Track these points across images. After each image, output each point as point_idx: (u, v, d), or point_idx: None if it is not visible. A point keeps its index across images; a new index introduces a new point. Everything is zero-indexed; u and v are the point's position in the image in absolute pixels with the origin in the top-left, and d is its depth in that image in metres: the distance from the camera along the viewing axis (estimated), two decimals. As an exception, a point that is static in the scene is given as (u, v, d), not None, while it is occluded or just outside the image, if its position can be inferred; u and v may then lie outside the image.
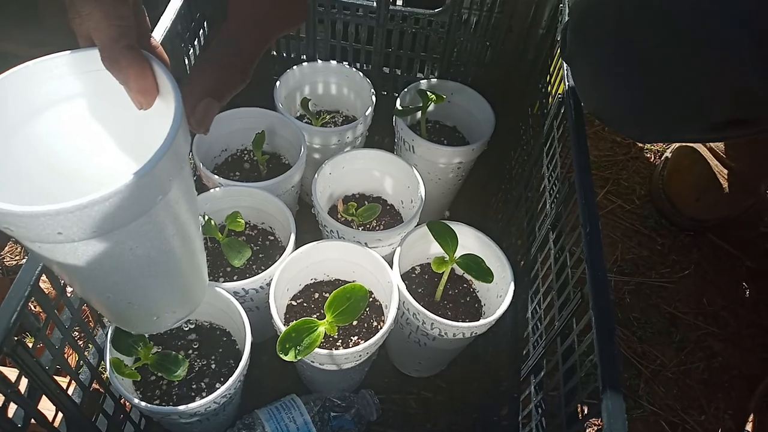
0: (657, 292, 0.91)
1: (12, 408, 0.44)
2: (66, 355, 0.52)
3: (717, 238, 0.97)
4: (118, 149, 0.42)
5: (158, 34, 0.60)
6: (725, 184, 0.95)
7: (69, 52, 0.37)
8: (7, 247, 0.85)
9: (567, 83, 0.61)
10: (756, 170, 0.95)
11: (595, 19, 0.57)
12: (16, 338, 0.43)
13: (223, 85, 0.46)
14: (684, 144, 1.01)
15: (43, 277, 0.46)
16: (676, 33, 0.50)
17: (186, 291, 0.47)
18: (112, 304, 0.43)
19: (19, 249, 0.87)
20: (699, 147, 0.99)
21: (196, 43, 0.70)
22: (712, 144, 0.97)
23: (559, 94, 0.63)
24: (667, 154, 1.03)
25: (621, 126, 0.63)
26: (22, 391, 0.45)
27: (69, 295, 0.52)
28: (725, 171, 0.95)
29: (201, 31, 0.71)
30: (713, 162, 0.97)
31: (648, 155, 1.08)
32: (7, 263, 0.85)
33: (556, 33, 0.67)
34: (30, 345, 0.45)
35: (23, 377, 0.46)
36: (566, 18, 0.65)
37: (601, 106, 0.62)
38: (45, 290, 0.48)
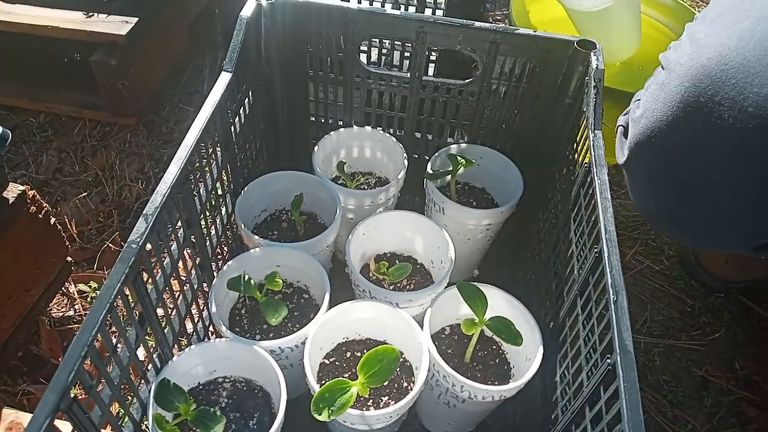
0: (687, 354, 0.90)
1: (64, 462, 0.47)
2: (112, 410, 0.54)
3: (748, 300, 0.97)
4: None
5: (209, 106, 0.64)
6: None
7: None
8: (54, 300, 0.89)
9: (593, 153, 0.63)
10: None
11: (660, 140, 0.66)
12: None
13: None
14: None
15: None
16: (742, 170, 0.56)
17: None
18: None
19: (65, 301, 0.91)
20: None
21: (241, 111, 0.75)
22: None
23: (585, 162, 0.65)
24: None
25: (668, 232, 0.71)
26: (74, 446, 0.48)
27: (119, 352, 0.55)
28: None
29: (246, 100, 0.76)
30: None
31: (676, 215, 1.09)
32: (53, 315, 0.89)
33: (582, 104, 0.70)
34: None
35: (75, 432, 0.48)
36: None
37: (651, 211, 0.69)
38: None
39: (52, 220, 0.83)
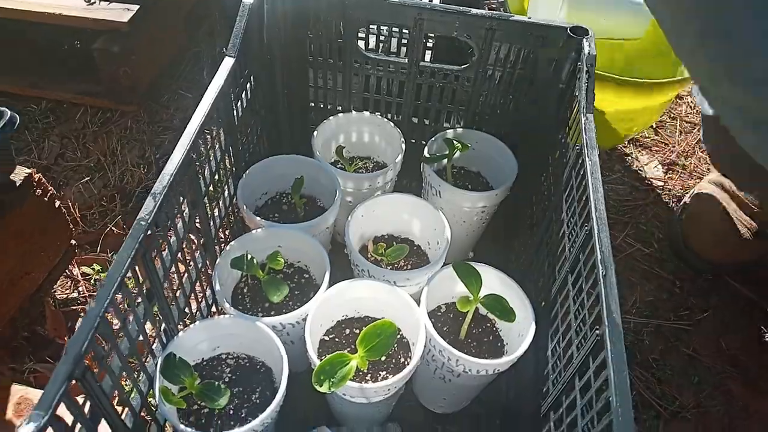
0: (676, 334, 0.93)
1: (77, 429, 0.49)
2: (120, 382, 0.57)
3: (735, 282, 0.99)
4: None
5: (212, 90, 0.66)
6: (743, 230, 0.98)
7: None
8: (58, 281, 0.91)
9: (585, 135, 0.66)
10: None
11: None
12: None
13: None
14: (703, 191, 1.04)
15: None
16: None
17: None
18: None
19: (69, 283, 0.93)
20: (718, 193, 1.02)
21: (243, 96, 0.76)
22: (735, 189, 1.00)
23: (577, 145, 0.68)
24: (686, 199, 1.07)
25: None
26: (87, 414, 0.50)
27: (128, 326, 0.57)
28: (744, 217, 0.98)
29: (248, 85, 0.78)
30: (732, 207, 1.00)
31: (666, 200, 1.11)
32: (58, 296, 0.91)
33: (575, 89, 0.72)
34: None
35: (87, 402, 0.50)
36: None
37: None
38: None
39: (57, 203, 0.85)
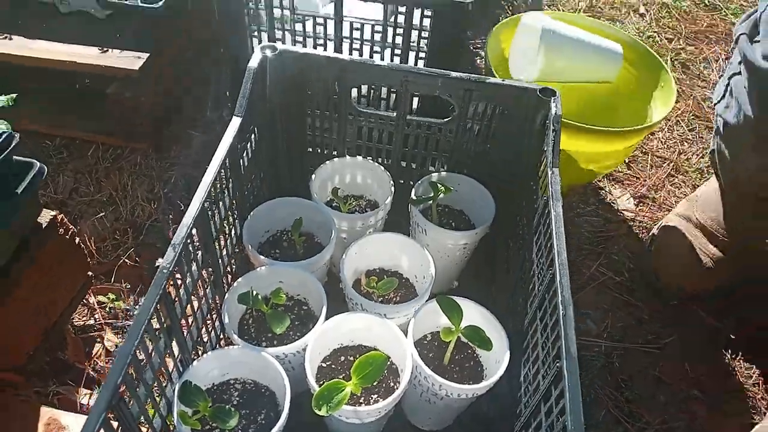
0: (644, 357, 1.02)
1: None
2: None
3: (698, 309, 1.09)
4: None
5: (223, 148, 0.75)
6: (706, 260, 1.07)
7: None
8: (77, 309, 0.99)
9: (551, 188, 0.75)
10: (745, 244, 1.08)
11: None
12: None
13: None
14: (669, 223, 1.14)
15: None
16: None
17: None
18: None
19: (86, 311, 1.01)
20: (683, 226, 1.11)
21: (248, 146, 0.85)
22: (702, 221, 1.10)
23: (544, 195, 0.77)
24: (654, 231, 1.16)
25: None
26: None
27: (152, 358, 0.66)
28: (709, 248, 1.07)
29: (252, 136, 0.87)
30: (697, 239, 1.09)
31: (637, 232, 1.21)
32: (76, 323, 0.99)
33: (543, 144, 0.81)
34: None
35: (119, 426, 0.59)
36: (551, 133, 0.80)
37: None
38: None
39: (76, 240, 0.94)
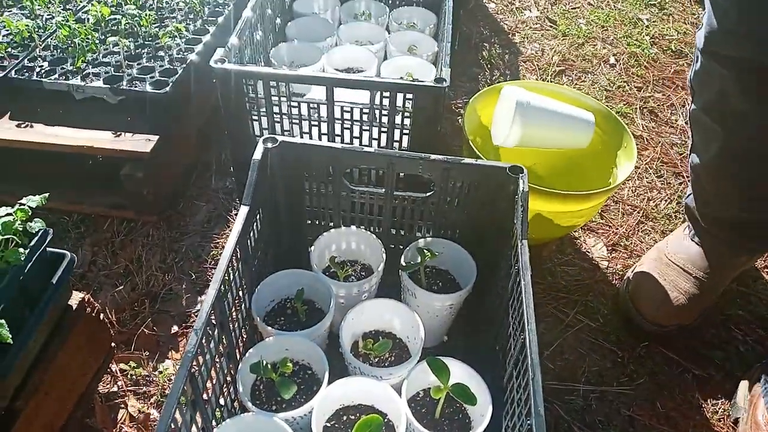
0: (618, 398, 1.12)
1: None
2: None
3: (667, 350, 1.19)
4: None
5: (234, 236, 0.86)
6: (679, 296, 1.18)
7: None
8: (103, 378, 1.09)
9: (521, 259, 0.86)
10: (718, 282, 1.20)
11: None
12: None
13: None
14: (641, 267, 1.25)
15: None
16: None
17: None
18: None
19: (109, 379, 1.10)
20: (653, 268, 1.22)
21: (254, 228, 0.96)
22: (674, 261, 1.22)
23: (516, 264, 0.87)
24: (629, 274, 1.27)
25: None
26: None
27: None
28: (680, 285, 1.18)
29: (258, 217, 0.98)
30: (669, 276, 1.20)
31: (610, 278, 1.32)
32: (101, 391, 1.08)
33: (514, 216, 0.92)
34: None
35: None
36: (520, 210, 0.91)
37: None
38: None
39: (101, 316, 1.04)
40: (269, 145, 0.96)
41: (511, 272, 0.91)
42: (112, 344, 1.09)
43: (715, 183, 1.15)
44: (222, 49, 1.11)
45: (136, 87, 1.30)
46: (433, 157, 0.96)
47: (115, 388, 1.09)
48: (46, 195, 0.92)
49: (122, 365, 1.11)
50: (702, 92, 1.09)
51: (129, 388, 1.09)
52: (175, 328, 1.17)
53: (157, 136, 1.27)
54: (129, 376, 1.10)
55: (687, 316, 1.20)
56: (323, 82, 1.10)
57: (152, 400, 1.08)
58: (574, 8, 2.25)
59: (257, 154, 0.94)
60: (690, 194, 1.24)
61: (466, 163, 0.96)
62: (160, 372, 1.11)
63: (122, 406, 1.06)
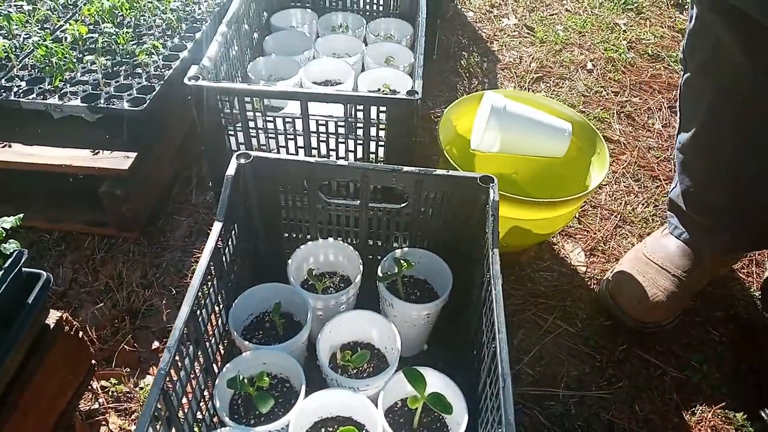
0: (597, 402, 1.13)
1: None
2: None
3: (645, 353, 1.20)
4: None
5: (207, 251, 0.87)
6: (658, 293, 1.19)
7: None
8: (84, 396, 1.09)
9: (492, 268, 0.87)
10: (695, 280, 1.23)
11: None
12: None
13: None
14: (620, 268, 1.27)
15: None
16: None
17: None
18: None
19: (90, 396, 1.11)
20: (632, 268, 1.24)
21: (230, 243, 0.97)
22: (653, 260, 1.25)
23: (488, 273, 0.88)
24: (608, 276, 1.28)
25: None
26: None
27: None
28: (659, 283, 1.20)
29: (233, 232, 0.98)
30: (649, 274, 1.22)
31: (589, 283, 1.33)
32: (82, 408, 1.08)
33: (486, 226, 0.93)
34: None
35: None
36: (491, 218, 0.93)
37: None
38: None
39: (80, 334, 1.04)
40: (243, 160, 0.97)
41: (483, 280, 0.92)
42: (93, 361, 1.09)
43: (703, 156, 1.18)
44: (196, 67, 1.12)
45: (113, 105, 1.31)
46: (405, 169, 0.97)
47: (96, 406, 1.09)
48: (21, 216, 0.92)
49: (103, 382, 1.12)
50: (696, 53, 1.12)
51: (110, 405, 1.09)
52: (156, 344, 1.17)
53: (136, 153, 1.27)
54: (110, 393, 1.11)
55: (666, 313, 1.21)
56: (297, 96, 1.11)
57: (133, 417, 1.08)
58: (552, 15, 2.28)
59: (230, 170, 0.95)
60: (675, 186, 1.26)
61: (438, 174, 0.97)
62: (141, 388, 1.11)
63: (103, 423, 1.06)
